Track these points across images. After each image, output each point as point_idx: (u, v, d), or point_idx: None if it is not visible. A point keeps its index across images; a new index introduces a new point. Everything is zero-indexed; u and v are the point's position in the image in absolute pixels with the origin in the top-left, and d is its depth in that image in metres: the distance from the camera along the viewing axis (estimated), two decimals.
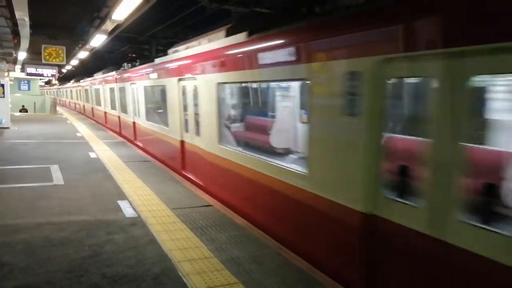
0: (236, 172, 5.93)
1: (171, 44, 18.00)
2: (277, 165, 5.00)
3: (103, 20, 10.86)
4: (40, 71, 21.94)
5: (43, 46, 15.57)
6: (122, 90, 14.49)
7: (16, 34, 12.80)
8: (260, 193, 5.35)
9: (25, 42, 14.15)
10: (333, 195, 3.93)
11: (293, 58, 4.67)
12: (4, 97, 15.54)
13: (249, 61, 5.68)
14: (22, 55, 18.51)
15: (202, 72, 7.11)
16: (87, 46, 15.41)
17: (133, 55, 26.30)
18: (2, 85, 15.48)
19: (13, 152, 9.94)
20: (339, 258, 3.94)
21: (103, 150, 10.67)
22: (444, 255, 2.92)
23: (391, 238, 3.36)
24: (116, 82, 15.13)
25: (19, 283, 3.42)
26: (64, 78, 42.54)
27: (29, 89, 28.58)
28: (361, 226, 3.58)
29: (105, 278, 3.54)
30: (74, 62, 23.56)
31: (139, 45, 21.35)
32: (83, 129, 16.13)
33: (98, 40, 12.97)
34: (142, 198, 6.12)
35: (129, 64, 14.79)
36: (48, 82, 47.33)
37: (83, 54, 18.57)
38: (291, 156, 6.12)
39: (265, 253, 4.20)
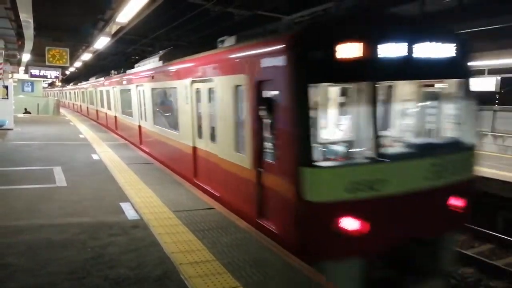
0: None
1: (175, 47, 18.77)
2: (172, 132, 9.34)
3: (107, 22, 10.90)
4: (43, 73, 22.02)
5: (47, 48, 15.64)
6: (107, 92, 18.05)
7: (20, 36, 12.86)
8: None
9: (29, 44, 14.22)
10: (188, 142, 8.03)
11: (177, 75, 8.71)
12: (8, 98, 15.59)
13: (164, 76, 9.73)
14: (26, 56, 18.61)
15: (146, 81, 11.32)
16: (91, 48, 15.48)
17: (136, 57, 26.38)
18: (6, 87, 15.53)
19: (16, 153, 9.97)
20: (184, 168, 8.30)
21: (105, 152, 10.70)
22: (209, 158, 6.96)
23: (198, 153, 7.61)
24: (104, 86, 18.82)
25: (21, 284, 3.43)
26: (66, 80, 43.06)
27: (32, 90, 28.65)
28: (193, 151, 7.78)
29: (107, 280, 3.54)
30: (78, 64, 23.65)
31: (142, 47, 21.42)
32: (86, 131, 16.18)
33: (101, 42, 13.02)
34: (144, 200, 6.13)
35: (115, 72, 18.46)
36: (52, 84, 47.75)
37: (86, 56, 18.64)
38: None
39: (267, 256, 4.20)
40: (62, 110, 29.48)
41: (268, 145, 5.14)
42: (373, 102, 4.70)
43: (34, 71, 21.84)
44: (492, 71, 14.27)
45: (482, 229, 9.09)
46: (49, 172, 7.93)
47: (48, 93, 50.11)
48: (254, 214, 5.38)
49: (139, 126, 12.41)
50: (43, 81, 30.90)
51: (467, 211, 5.51)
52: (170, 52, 10.75)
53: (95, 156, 9.96)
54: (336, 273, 4.40)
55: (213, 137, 6.86)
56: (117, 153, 10.54)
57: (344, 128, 5.48)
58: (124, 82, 14.34)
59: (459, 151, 5.43)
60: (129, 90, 13.51)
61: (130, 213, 5.47)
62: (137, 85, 12.33)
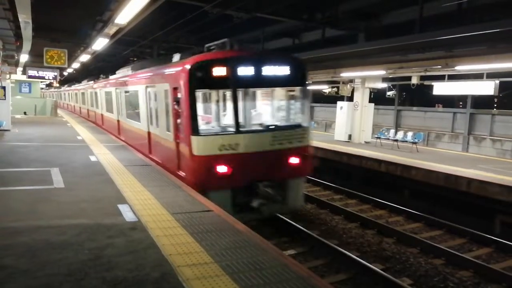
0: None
1: (173, 48, 18.99)
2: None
3: (105, 23, 10.90)
4: (41, 73, 21.96)
5: (45, 48, 15.61)
6: (95, 94, 20.84)
7: (18, 36, 12.83)
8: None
9: (27, 45, 14.19)
10: (145, 128, 10.80)
11: (138, 82, 11.55)
12: (5, 99, 15.52)
13: (132, 81, 12.40)
14: (24, 57, 18.55)
15: (121, 86, 14.20)
16: (89, 50, 15.45)
17: (135, 59, 26.35)
18: (4, 88, 15.47)
19: (14, 154, 9.93)
20: (144, 148, 10.91)
21: (103, 154, 10.67)
22: (155, 138, 10.02)
23: (151, 136, 10.38)
24: (92, 88, 21.71)
25: (19, 286, 3.41)
26: (64, 81, 43.45)
27: (30, 91, 28.56)
28: (148, 135, 10.54)
29: (105, 282, 3.52)
30: (76, 65, 23.61)
31: (141, 48, 21.39)
32: (84, 132, 16.13)
33: (100, 43, 13.00)
34: (142, 202, 6.11)
35: (103, 76, 20.87)
36: (49, 85, 47.96)
37: (85, 57, 18.61)
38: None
39: (265, 259, 4.19)
40: (59, 111, 29.40)
41: (180, 126, 8.28)
42: (235, 100, 7.96)
43: (32, 72, 21.77)
44: (491, 75, 14.34)
45: (480, 233, 9.11)
46: (47, 173, 7.90)
47: (44, 94, 50.51)
48: (175, 168, 8.62)
49: (118, 121, 15.45)
50: (41, 81, 30.80)
51: (304, 166, 8.72)
52: (138, 64, 13.88)
53: (92, 158, 9.93)
54: (215, 199, 6.83)
55: (157, 124, 9.92)
56: (115, 155, 10.51)
57: (220, 114, 8.57)
58: (108, 86, 17.20)
59: (294, 129, 8.63)
60: (110, 92, 16.37)
61: (128, 215, 5.45)
62: (116, 88, 15.20)
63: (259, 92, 9.04)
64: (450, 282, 6.90)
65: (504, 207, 9.50)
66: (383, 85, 18.62)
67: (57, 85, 43.07)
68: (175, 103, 8.43)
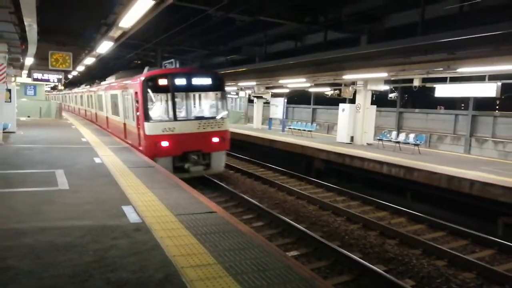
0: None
1: (177, 51, 19.32)
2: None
3: (110, 27, 10.98)
4: (46, 76, 22.11)
5: (50, 52, 15.72)
6: (91, 96, 24.89)
7: (24, 40, 12.93)
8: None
9: (32, 48, 14.30)
10: (122, 120, 15.14)
11: (117, 88, 15.93)
12: (10, 102, 15.64)
13: (115, 87, 16.27)
14: (29, 60, 18.68)
15: (108, 90, 18.13)
16: (94, 53, 15.55)
17: (139, 62, 26.45)
18: (9, 90, 15.59)
19: (19, 156, 10.02)
20: (122, 135, 15.33)
21: (107, 156, 10.74)
22: (128, 127, 14.47)
23: (126, 126, 14.69)
24: (89, 92, 25.99)
25: (23, 287, 3.45)
26: (69, 84, 44.01)
27: (35, 94, 28.74)
28: (124, 125, 14.85)
29: (109, 283, 3.57)
30: (81, 68, 23.74)
31: (145, 52, 21.50)
32: (88, 135, 16.23)
33: (104, 46, 13.09)
34: (146, 204, 6.16)
35: (98, 81, 24.51)
36: (54, 88, 48.43)
37: (89, 60, 18.72)
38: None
39: (269, 260, 4.22)
40: (64, 115, 29.55)
41: (139, 117, 12.43)
42: (173, 100, 12.28)
43: (37, 75, 21.92)
44: (493, 77, 14.34)
45: (483, 235, 9.11)
46: (51, 175, 7.97)
47: (48, 97, 51.14)
48: (138, 145, 12.77)
49: (106, 117, 19.13)
50: (46, 84, 31.00)
51: (223, 143, 12.95)
52: (119, 74, 18.07)
53: (97, 160, 10.00)
54: (162, 163, 10.99)
55: (128, 117, 14.25)
56: (120, 157, 10.58)
57: (163, 109, 12.51)
58: (99, 90, 21.09)
59: (214, 119, 12.83)
60: (101, 95, 20.14)
61: (132, 217, 5.50)
62: (104, 92, 19.13)
63: (190, 94, 13.17)
64: (453, 283, 6.91)
65: (506, 208, 9.50)
66: (385, 87, 18.62)
67: (61, 88, 43.83)
68: (136, 102, 12.73)
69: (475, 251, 8.63)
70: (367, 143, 18.20)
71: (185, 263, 4.06)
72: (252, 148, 21.60)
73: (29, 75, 23.72)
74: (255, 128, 26.27)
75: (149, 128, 11.98)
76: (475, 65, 11.90)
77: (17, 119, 16.96)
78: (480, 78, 14.83)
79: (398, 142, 16.40)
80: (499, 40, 9.36)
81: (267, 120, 28.02)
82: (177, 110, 12.40)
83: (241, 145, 22.39)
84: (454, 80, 15.58)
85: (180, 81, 12.41)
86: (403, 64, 13.62)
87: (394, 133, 17.98)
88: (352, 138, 18.46)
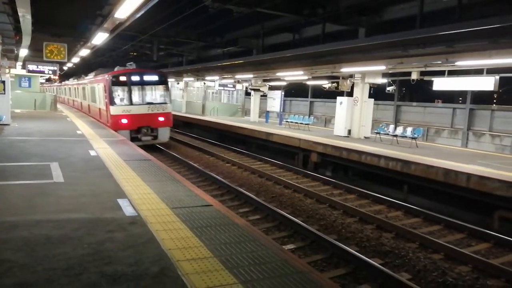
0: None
1: (173, 43, 19.36)
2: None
3: (105, 18, 10.84)
4: (41, 68, 21.90)
5: (44, 43, 15.54)
6: (77, 89, 29.88)
7: (18, 31, 12.78)
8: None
9: (26, 39, 14.14)
10: (98, 106, 20.40)
11: (94, 82, 21.40)
12: (4, 94, 15.48)
13: (93, 81, 21.81)
14: (23, 52, 18.49)
15: (88, 83, 23.29)
16: (89, 44, 15.39)
17: (135, 54, 26.22)
18: (3, 82, 15.42)
19: (13, 149, 9.93)
20: (97, 117, 20.55)
21: (103, 148, 10.67)
22: (101, 111, 19.64)
23: (100, 110, 19.80)
24: (74, 85, 31.66)
25: (18, 280, 3.41)
26: (63, 76, 44.09)
27: (29, 86, 28.48)
28: (99, 109, 19.99)
29: (104, 276, 3.53)
30: (75, 59, 23.53)
31: (141, 43, 21.31)
32: (83, 127, 16.13)
33: (99, 38, 12.95)
34: (141, 197, 6.12)
35: (84, 75, 28.11)
36: (49, 80, 48.33)
37: (84, 52, 18.55)
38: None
39: (265, 254, 4.19)
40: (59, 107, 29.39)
41: (107, 102, 17.69)
42: (129, 91, 17.59)
43: (31, 67, 21.70)
44: (491, 71, 14.32)
45: (479, 228, 9.13)
46: (46, 167, 7.90)
47: (43, 89, 51.13)
48: (106, 122, 17.98)
49: (88, 105, 24.04)
50: (40, 76, 30.74)
51: (167, 121, 18.22)
52: (98, 71, 22.52)
53: (92, 152, 9.93)
54: (123, 134, 15.41)
55: (101, 103, 18.78)
56: (115, 150, 10.51)
57: (124, 96, 17.60)
58: (83, 83, 25.84)
59: (160, 104, 18.03)
60: (84, 87, 25.33)
61: (127, 210, 5.45)
62: (87, 85, 23.81)
63: (142, 87, 18.01)
64: (449, 277, 6.92)
65: (503, 202, 9.52)
66: (383, 80, 18.59)
67: (55, 78, 44.42)
68: (105, 92, 17.81)
69: (471, 245, 8.65)
70: (364, 137, 18.19)
71: (181, 256, 4.02)
72: (249, 142, 21.55)
73: (23, 67, 23.50)
74: (252, 121, 26.20)
75: (113, 110, 17.18)
76: (474, 58, 11.87)
77: (11, 111, 16.81)
78: (478, 72, 14.81)
79: (396, 136, 16.40)
80: (498, 33, 9.32)
81: (264, 113, 27.96)
82: (132, 97, 17.52)
83: (237, 138, 22.35)
84: (452, 73, 15.57)
85: (135, 78, 17.71)
86: (401, 57, 13.57)
87: (391, 126, 17.97)
88: (349, 131, 18.45)
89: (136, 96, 17.68)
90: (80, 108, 28.43)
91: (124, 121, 16.98)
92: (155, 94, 18.44)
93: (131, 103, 17.31)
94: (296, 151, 17.20)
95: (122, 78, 17.35)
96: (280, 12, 13.42)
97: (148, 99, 18.09)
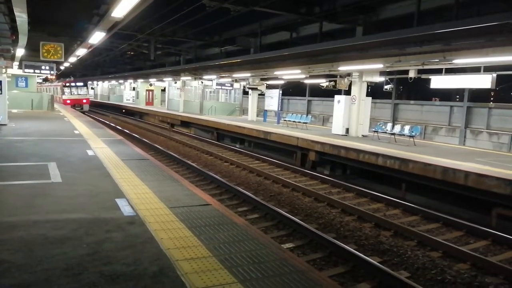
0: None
1: (170, 42, 19.11)
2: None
3: (102, 17, 10.81)
4: (38, 68, 21.79)
5: (41, 42, 15.48)
6: (56, 87, 44.33)
7: (14, 30, 12.72)
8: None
9: (23, 39, 14.08)
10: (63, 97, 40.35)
11: (61, 84, 41.66)
12: (1, 93, 15.42)
13: (60, 84, 42.46)
14: (20, 51, 18.41)
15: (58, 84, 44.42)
16: (86, 43, 15.34)
17: (132, 53, 26.15)
18: (0, 82, 15.36)
19: (10, 149, 9.89)
20: (60, 102, 39.69)
21: (101, 148, 10.65)
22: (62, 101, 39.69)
23: (63, 99, 39.93)
24: (61, 86, 41.08)
25: (16, 281, 3.40)
26: (61, 75, 46.63)
27: (26, 86, 28.41)
28: (64, 100, 40.11)
29: (102, 276, 3.52)
30: (72, 59, 23.46)
31: (138, 42, 21.26)
32: (81, 127, 16.09)
33: (96, 37, 12.90)
34: (140, 197, 6.11)
35: (70, 77, 42.47)
36: (46, 80, 49.25)
37: (81, 51, 18.48)
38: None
39: (264, 253, 4.19)
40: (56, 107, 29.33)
41: (62, 95, 39.19)
42: (71, 89, 39.46)
43: (28, 67, 21.59)
44: (488, 69, 14.35)
45: (477, 226, 9.15)
46: (44, 167, 7.88)
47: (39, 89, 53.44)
48: (63, 103, 37.77)
49: (60, 97, 38.97)
50: (37, 76, 30.67)
51: (87, 102, 39.41)
52: (63, 79, 41.35)
53: (90, 152, 9.91)
54: (73, 107, 36.02)
55: (62, 95, 38.98)
56: (113, 149, 10.49)
57: (68, 92, 39.42)
58: (66, 84, 38.89)
59: (84, 95, 39.46)
60: (57, 87, 41.47)
61: (126, 209, 5.44)
62: (60, 86, 40.55)
63: (76, 88, 38.54)
64: (447, 274, 6.93)
65: (500, 199, 9.54)
66: (381, 79, 18.61)
67: (52, 80, 50.55)
68: (62, 90, 38.73)
69: (469, 242, 8.68)
70: (362, 135, 18.21)
71: (179, 256, 4.02)
72: (247, 141, 21.54)
73: (20, 67, 23.41)
74: (249, 120, 26.19)
75: (64, 98, 37.49)
76: (471, 56, 11.88)
77: (8, 111, 16.75)
78: (475, 70, 14.84)
79: (393, 134, 16.42)
80: (495, 31, 9.33)
81: (262, 112, 27.94)
82: (72, 92, 37.60)
83: (235, 137, 22.34)
84: (449, 71, 15.59)
85: (73, 84, 38.15)
86: (398, 56, 13.58)
87: (389, 124, 18.01)
88: (347, 130, 18.46)
89: (74, 92, 38.31)
90: (60, 102, 43.29)
91: (68, 102, 37.24)
92: (81, 91, 38.80)
93: (71, 94, 38.10)
94: (294, 150, 17.20)
95: (67, 84, 38.21)
96: (277, 11, 13.39)
97: (78, 92, 38.49)
